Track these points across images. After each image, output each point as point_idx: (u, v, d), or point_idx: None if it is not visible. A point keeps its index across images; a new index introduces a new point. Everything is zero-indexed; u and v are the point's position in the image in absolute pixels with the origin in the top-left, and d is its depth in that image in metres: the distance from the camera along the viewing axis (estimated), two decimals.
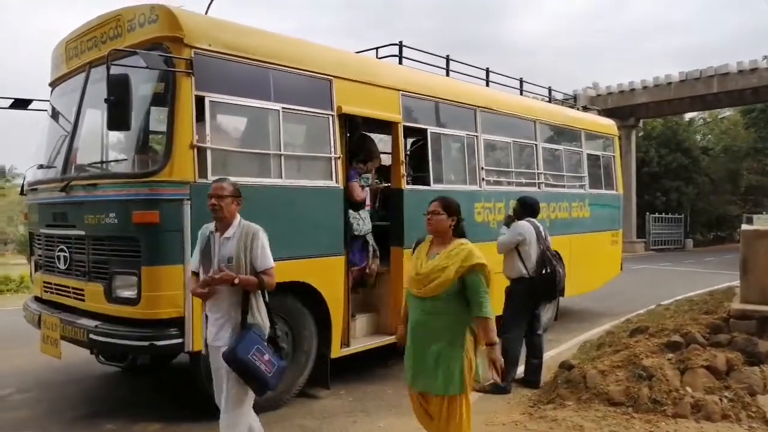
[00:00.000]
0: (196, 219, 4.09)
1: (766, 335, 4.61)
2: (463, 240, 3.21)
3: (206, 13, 4.25)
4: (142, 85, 4.22)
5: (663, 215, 27.99)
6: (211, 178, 4.22)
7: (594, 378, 4.47)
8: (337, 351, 5.15)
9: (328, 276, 5.02)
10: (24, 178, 5.51)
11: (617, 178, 9.54)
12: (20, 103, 5.52)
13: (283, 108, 4.73)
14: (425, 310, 3.13)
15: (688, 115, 33.24)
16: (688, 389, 4.12)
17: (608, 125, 9.62)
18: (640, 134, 28.62)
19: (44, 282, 4.95)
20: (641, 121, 27.05)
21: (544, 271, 5.16)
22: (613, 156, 9.51)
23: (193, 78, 4.16)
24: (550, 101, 9.10)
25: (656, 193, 28.75)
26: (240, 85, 4.53)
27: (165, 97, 4.20)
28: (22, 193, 5.50)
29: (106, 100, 3.73)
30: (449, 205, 3.26)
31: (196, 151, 4.16)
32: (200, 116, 4.23)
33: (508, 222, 5.49)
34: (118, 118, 3.77)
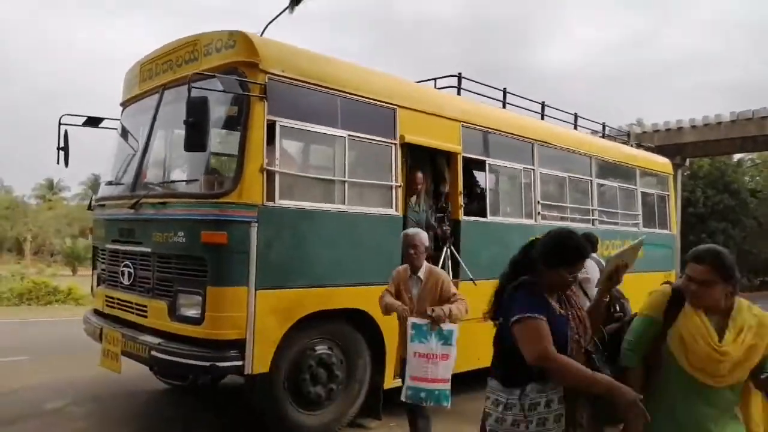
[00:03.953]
0: (263, 242, 4.15)
1: None
2: (744, 300, 2.34)
3: (261, 35, 4.32)
4: (216, 108, 4.30)
5: None
6: (278, 201, 4.27)
7: None
8: (389, 381, 5.08)
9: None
10: (92, 195, 5.66)
11: (671, 217, 9.32)
12: (92, 122, 5.71)
13: (349, 135, 4.77)
14: (713, 404, 2.28)
15: (736, 156, 32.46)
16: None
17: (663, 163, 9.43)
18: (686, 173, 28.02)
19: (107, 296, 5.04)
20: (687, 160, 26.48)
21: (612, 310, 5.01)
22: (668, 195, 9.30)
23: (266, 103, 4.24)
24: (603, 137, 9.00)
25: (701, 234, 27.93)
26: (309, 111, 4.60)
27: (238, 121, 4.29)
28: (89, 208, 5.64)
29: (185, 122, 3.81)
30: (726, 266, 2.26)
31: (265, 174, 4.21)
32: (270, 140, 4.29)
33: None
34: (195, 140, 3.85)
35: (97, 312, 5.29)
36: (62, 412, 5.18)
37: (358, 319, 4.81)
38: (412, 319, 3.90)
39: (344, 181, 4.74)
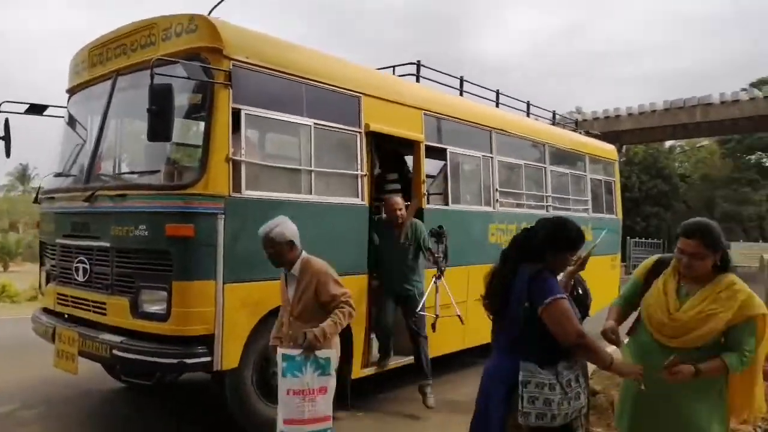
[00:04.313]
0: (230, 234, 4.03)
1: None
2: (732, 276, 2.52)
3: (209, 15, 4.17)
4: (178, 96, 4.12)
5: (643, 240, 28.46)
6: (245, 192, 4.15)
7: (596, 399, 4.46)
8: (357, 371, 5.06)
9: (352, 294, 4.93)
10: (39, 186, 5.34)
11: (617, 202, 9.66)
12: (35, 109, 5.38)
13: (314, 124, 4.68)
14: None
15: (667, 143, 34.04)
16: None
17: (610, 150, 9.76)
18: (622, 159, 29.18)
19: (59, 294, 4.78)
20: (624, 147, 27.56)
21: (575, 293, 5.16)
22: (613, 181, 9.64)
23: (230, 90, 4.09)
24: (554, 124, 9.21)
25: (636, 218, 29.25)
26: (274, 99, 4.47)
27: (201, 109, 4.13)
28: (35, 201, 5.32)
29: (148, 110, 3.62)
30: (713, 237, 2.48)
31: (231, 164, 4.08)
32: (235, 129, 4.15)
33: None
34: (159, 129, 3.67)
35: (47, 311, 5.02)
36: (11, 417, 4.90)
37: None
38: (281, 350, 3.36)
39: (310, 171, 4.65)
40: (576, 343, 2.36)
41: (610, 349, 2.92)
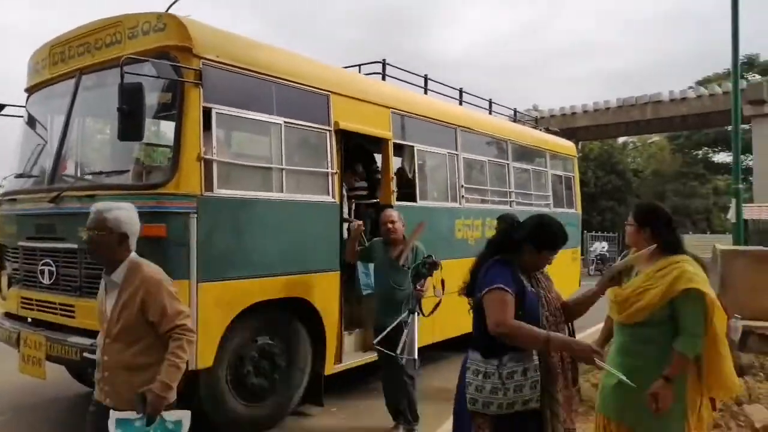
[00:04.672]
0: (203, 233, 4.01)
1: (746, 348, 4.93)
2: (676, 257, 2.69)
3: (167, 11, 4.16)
4: (147, 95, 4.08)
5: (599, 234, 29.26)
6: (217, 191, 4.14)
7: (588, 391, 4.62)
8: (330, 368, 5.10)
9: (323, 292, 4.98)
10: None
11: (576, 197, 9.95)
12: None
13: (284, 122, 4.69)
14: (631, 336, 2.75)
15: (621, 139, 35.08)
16: None
17: (569, 146, 10.05)
18: (579, 155, 29.93)
19: (22, 298, 4.66)
20: (580, 143, 28.26)
21: None
22: (573, 176, 9.92)
23: (201, 89, 4.08)
24: (515, 121, 9.43)
25: (593, 212, 30.04)
26: (244, 98, 4.48)
27: (171, 108, 4.10)
28: None
29: (118, 109, 3.59)
30: (641, 213, 2.84)
31: (202, 163, 4.07)
32: (206, 128, 4.14)
33: None
34: (130, 129, 3.64)
35: (9, 315, 4.89)
36: None
37: (298, 307, 4.79)
38: (115, 414, 2.43)
39: (281, 169, 4.66)
40: (495, 332, 2.33)
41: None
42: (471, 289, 2.57)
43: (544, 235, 2.53)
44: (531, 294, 2.47)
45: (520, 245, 2.53)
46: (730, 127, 11.56)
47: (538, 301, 2.48)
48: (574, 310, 2.68)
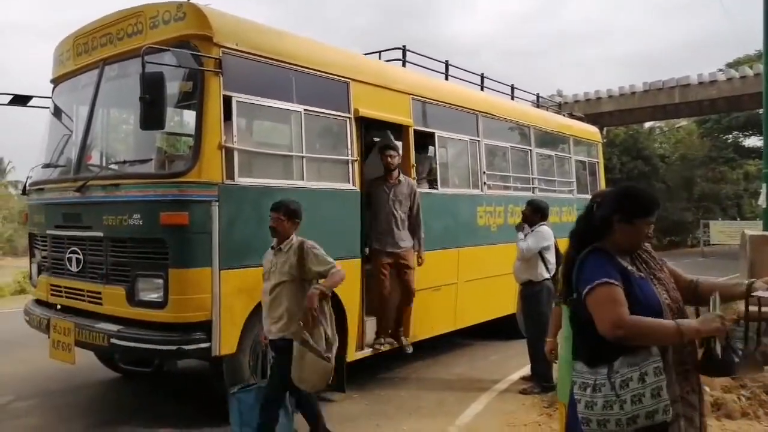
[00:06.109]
0: (224, 221, 4.05)
1: None
2: None
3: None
4: (169, 84, 4.12)
5: None
6: (238, 179, 4.17)
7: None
8: (352, 354, 5.13)
9: (346, 279, 4.99)
10: (27, 177, 5.29)
11: (600, 183, 9.79)
12: (20, 100, 5.32)
13: (304, 110, 4.70)
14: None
15: (647, 124, 34.39)
16: (707, 389, 4.26)
17: (593, 132, 9.89)
18: (603, 141, 29.47)
19: (52, 285, 4.77)
20: (605, 129, 27.81)
21: None
22: (597, 162, 9.76)
23: (221, 77, 4.10)
24: (538, 107, 9.30)
25: None
26: (264, 86, 4.49)
27: (192, 97, 4.13)
28: (23, 192, 5.28)
29: (141, 99, 3.62)
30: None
31: (223, 151, 4.10)
32: (227, 116, 4.17)
33: (521, 226, 5.55)
34: (152, 118, 3.68)
35: (40, 302, 5.01)
36: (5, 409, 4.91)
37: None
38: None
39: (302, 157, 4.67)
40: (613, 335, 1.93)
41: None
42: (568, 295, 2.20)
43: (632, 201, 2.12)
44: (640, 280, 2.08)
45: (608, 226, 2.12)
46: (761, 110, 11.23)
47: (652, 286, 2.09)
48: (699, 291, 2.25)
